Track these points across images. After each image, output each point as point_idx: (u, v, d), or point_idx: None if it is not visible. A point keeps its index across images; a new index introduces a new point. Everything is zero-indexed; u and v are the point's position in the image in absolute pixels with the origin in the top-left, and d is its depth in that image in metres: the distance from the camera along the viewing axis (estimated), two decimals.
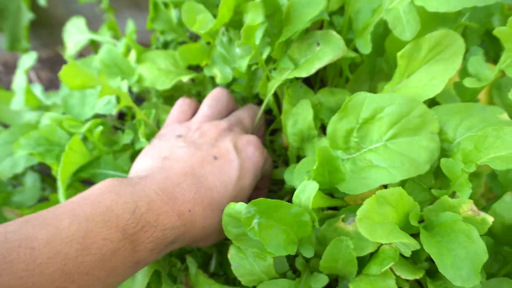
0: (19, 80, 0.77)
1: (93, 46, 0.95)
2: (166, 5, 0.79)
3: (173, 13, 0.76)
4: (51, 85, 1.26)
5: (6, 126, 0.86)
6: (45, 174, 0.82)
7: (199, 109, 0.65)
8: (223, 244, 0.63)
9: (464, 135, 0.49)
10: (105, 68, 0.75)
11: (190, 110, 0.66)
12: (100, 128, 0.63)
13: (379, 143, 0.49)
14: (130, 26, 0.87)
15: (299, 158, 0.63)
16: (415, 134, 0.47)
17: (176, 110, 0.65)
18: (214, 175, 0.53)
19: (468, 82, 0.50)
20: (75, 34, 0.91)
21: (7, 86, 1.28)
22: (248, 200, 0.57)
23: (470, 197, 0.46)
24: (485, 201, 0.53)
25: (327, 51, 0.56)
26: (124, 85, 0.57)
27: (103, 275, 0.40)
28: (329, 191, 0.53)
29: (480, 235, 0.41)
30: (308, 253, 0.48)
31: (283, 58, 0.59)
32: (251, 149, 0.58)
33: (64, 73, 0.52)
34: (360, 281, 0.46)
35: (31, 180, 0.79)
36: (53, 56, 1.31)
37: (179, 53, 0.69)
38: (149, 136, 0.62)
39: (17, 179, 0.81)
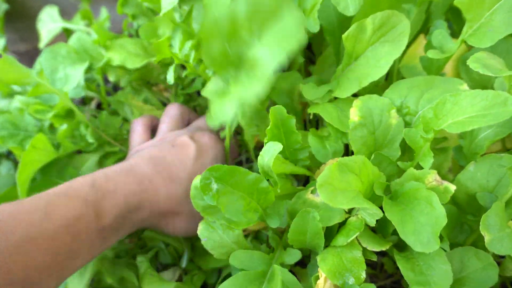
0: None
1: (67, 35, 0.93)
2: None
3: None
4: None
5: None
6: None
7: (158, 129, 0.67)
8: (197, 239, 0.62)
9: (425, 107, 0.49)
10: (75, 55, 0.74)
11: (148, 131, 0.69)
12: (65, 126, 0.63)
13: None
14: (103, 13, 0.86)
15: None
16: None
17: (135, 134, 0.68)
18: (172, 155, 0.57)
19: (431, 54, 0.50)
20: (48, 23, 0.90)
21: None
22: None
23: (438, 172, 0.46)
24: (452, 175, 0.53)
25: None
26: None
27: (68, 239, 0.43)
28: (291, 162, 0.53)
29: (444, 204, 0.41)
30: (274, 223, 0.48)
31: None
32: (206, 137, 0.62)
33: None
34: (327, 253, 0.46)
35: (5, 169, 0.78)
36: (31, 49, 1.28)
37: (140, 31, 0.68)
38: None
39: None
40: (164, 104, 0.82)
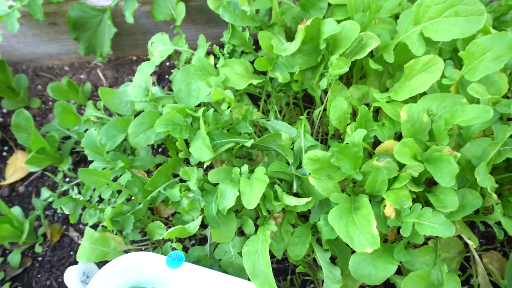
0: (138, 80, 1.08)
1: (173, 53, 1.27)
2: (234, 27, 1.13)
3: (247, 33, 1.11)
4: (115, 82, 1.56)
5: (110, 113, 1.17)
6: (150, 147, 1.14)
7: None
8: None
9: (442, 111, 0.87)
10: (200, 71, 1.08)
11: None
12: (211, 110, 0.97)
13: None
14: (202, 40, 1.20)
15: (334, 135, 1.01)
16: None
17: None
18: None
19: (445, 81, 0.88)
20: (160, 45, 1.23)
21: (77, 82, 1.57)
22: None
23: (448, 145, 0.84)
24: (455, 150, 0.91)
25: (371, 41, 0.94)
26: (230, 93, 0.93)
27: None
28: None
29: None
30: (359, 177, 0.85)
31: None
32: None
33: (214, 95, 0.88)
34: (390, 192, 0.84)
35: (144, 152, 1.12)
36: (115, 59, 1.61)
37: (255, 63, 1.04)
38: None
39: (132, 152, 1.13)
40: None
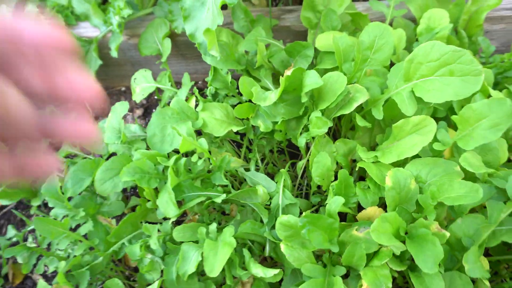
0: (111, 121, 1.02)
1: (155, 91, 1.21)
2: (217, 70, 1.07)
3: (229, 77, 1.04)
4: (103, 113, 1.51)
5: (87, 153, 1.11)
6: (122, 191, 1.07)
7: None
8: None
9: (431, 179, 0.78)
10: (177, 115, 1.01)
11: None
12: (184, 160, 0.90)
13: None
14: (186, 79, 1.14)
15: (318, 187, 0.92)
16: None
17: None
18: None
19: (436, 146, 0.79)
20: (142, 82, 1.18)
21: None
22: None
23: (437, 218, 0.75)
24: (446, 221, 0.82)
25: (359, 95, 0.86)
26: (204, 143, 0.85)
27: None
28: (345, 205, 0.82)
29: (441, 244, 0.70)
30: (335, 249, 0.76)
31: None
32: None
33: (181, 145, 0.83)
34: (367, 270, 0.74)
35: (115, 196, 1.05)
36: (104, 88, 1.55)
37: (235, 111, 0.97)
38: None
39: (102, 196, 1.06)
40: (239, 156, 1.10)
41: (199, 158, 0.93)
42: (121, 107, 1.02)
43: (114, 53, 1.27)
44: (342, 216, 0.93)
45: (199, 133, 1.17)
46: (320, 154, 0.89)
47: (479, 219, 0.74)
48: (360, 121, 0.85)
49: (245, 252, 0.83)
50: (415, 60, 0.80)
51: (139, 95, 1.18)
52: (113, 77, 1.51)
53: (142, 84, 1.19)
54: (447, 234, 0.71)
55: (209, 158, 0.91)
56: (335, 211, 0.74)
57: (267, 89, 1.06)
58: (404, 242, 0.71)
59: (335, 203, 0.74)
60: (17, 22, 0.34)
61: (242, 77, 0.94)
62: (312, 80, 0.84)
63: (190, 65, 1.42)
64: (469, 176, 0.77)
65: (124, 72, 1.49)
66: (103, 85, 1.55)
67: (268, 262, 0.96)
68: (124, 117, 1.45)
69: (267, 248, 0.89)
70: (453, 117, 0.77)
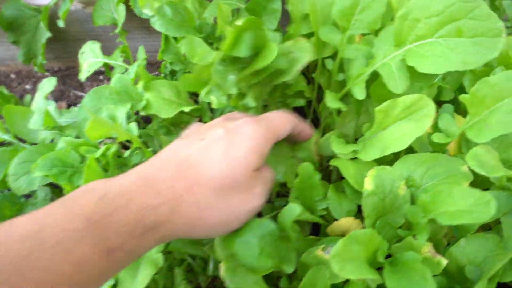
0: (38, 102, 0.84)
1: (105, 68, 1.02)
2: (175, 39, 0.86)
3: (182, 46, 0.83)
4: (62, 96, 1.33)
5: (22, 140, 0.93)
6: (54, 186, 0.89)
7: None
8: None
9: (428, 182, 0.56)
10: (117, 96, 0.82)
11: None
12: (113, 149, 0.70)
13: None
14: (141, 54, 0.94)
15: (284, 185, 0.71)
16: None
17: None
18: (199, 152, 0.50)
19: (437, 138, 0.57)
20: (90, 57, 0.98)
21: (19, 95, 1.35)
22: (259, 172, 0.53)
23: (434, 236, 0.53)
24: (446, 240, 0.60)
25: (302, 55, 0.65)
26: (134, 128, 0.65)
27: (68, 269, 0.37)
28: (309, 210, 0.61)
29: (436, 275, 0.48)
30: (289, 269, 0.55)
31: None
32: (244, 125, 0.53)
33: (89, 128, 0.60)
34: None
35: (43, 194, 0.86)
36: (64, 68, 1.38)
37: (181, 81, 0.76)
38: None
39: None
40: None
41: (136, 149, 0.74)
42: (48, 84, 0.83)
43: (60, 23, 1.08)
44: (316, 226, 0.72)
45: (148, 119, 0.98)
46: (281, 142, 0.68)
47: (491, 241, 0.52)
48: (331, 102, 0.63)
49: (177, 272, 0.64)
50: (410, 15, 0.57)
51: (85, 72, 0.99)
52: (74, 54, 1.32)
53: (89, 59, 0.99)
54: (444, 261, 0.50)
55: (140, 148, 0.71)
56: (288, 224, 0.53)
57: None
58: (382, 270, 0.50)
59: (288, 213, 0.54)
60: None
61: (187, 36, 0.73)
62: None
63: (156, 40, 1.22)
64: (481, 180, 0.54)
65: None
66: (63, 64, 1.37)
67: (218, 282, 0.76)
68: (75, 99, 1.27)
69: (211, 265, 0.69)
70: (462, 97, 0.54)
